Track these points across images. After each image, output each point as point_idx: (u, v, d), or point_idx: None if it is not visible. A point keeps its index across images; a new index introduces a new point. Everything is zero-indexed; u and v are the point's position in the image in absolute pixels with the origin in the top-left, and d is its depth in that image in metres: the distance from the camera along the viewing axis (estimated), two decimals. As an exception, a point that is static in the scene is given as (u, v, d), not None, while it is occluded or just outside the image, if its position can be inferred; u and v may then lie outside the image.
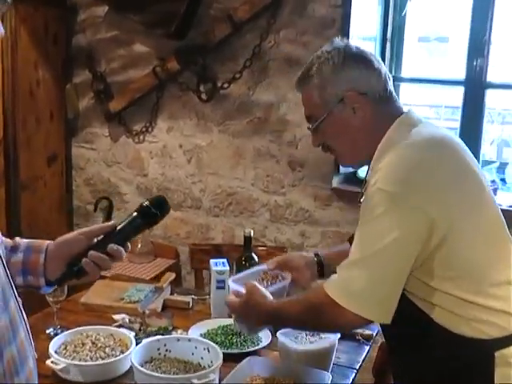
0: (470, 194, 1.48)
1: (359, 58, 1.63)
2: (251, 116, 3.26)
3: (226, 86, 3.19)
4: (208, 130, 3.35)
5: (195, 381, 1.64)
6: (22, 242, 1.44)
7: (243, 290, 1.70)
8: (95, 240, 1.42)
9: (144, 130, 3.43)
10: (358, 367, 2.01)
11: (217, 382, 1.72)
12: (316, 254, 1.98)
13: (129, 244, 1.45)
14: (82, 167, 3.71)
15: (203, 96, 3.22)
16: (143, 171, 3.51)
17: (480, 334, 1.43)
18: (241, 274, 1.92)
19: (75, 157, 3.71)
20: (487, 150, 3.27)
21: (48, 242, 1.43)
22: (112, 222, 1.47)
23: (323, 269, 1.94)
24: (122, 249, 1.39)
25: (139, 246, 3.22)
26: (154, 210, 1.44)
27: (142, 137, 3.45)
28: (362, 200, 1.54)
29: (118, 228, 1.42)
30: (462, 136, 3.17)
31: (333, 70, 1.59)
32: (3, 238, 1.40)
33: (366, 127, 1.58)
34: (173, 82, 3.30)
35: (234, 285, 1.84)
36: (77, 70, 3.59)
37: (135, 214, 1.44)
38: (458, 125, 3.26)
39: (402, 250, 1.40)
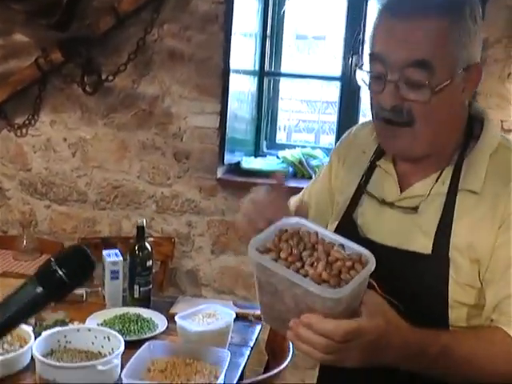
0: None
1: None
2: (136, 109, 3.28)
3: (110, 78, 3.20)
4: (92, 122, 3.33)
5: (100, 367, 1.69)
6: None
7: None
8: None
9: (26, 123, 3.35)
10: (252, 345, 2.13)
11: (120, 367, 1.77)
12: None
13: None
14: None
15: (88, 88, 3.21)
16: (26, 166, 3.43)
17: None
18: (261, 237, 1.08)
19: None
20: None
21: None
22: None
23: None
24: None
25: (24, 243, 3.16)
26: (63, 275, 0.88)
27: (24, 130, 3.37)
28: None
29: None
30: (339, 129, 3.38)
31: (478, 26, 1.18)
32: None
33: (458, 114, 1.25)
34: (56, 74, 3.25)
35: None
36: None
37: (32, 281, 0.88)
38: (334, 118, 3.47)
39: None
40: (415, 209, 1.25)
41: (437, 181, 1.25)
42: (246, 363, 2.01)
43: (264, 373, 2.22)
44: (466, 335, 1.18)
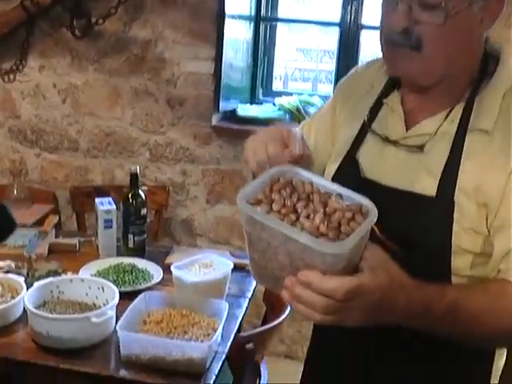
0: None
1: None
2: (127, 54, 3.17)
3: (100, 22, 3.07)
4: (83, 68, 3.22)
5: (94, 319, 1.65)
6: None
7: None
8: None
9: (14, 68, 3.23)
10: (249, 296, 2.09)
11: (114, 319, 1.73)
12: None
13: None
14: None
15: (77, 32, 3.08)
16: (15, 113, 3.33)
17: None
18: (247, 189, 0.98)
19: None
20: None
21: None
22: None
23: None
24: None
25: (15, 192, 3.09)
26: None
27: (12, 76, 3.25)
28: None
29: None
30: (337, 77, 3.28)
31: None
32: None
33: (474, 47, 1.18)
34: (44, 18, 3.12)
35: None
36: None
37: None
38: (332, 67, 3.37)
39: None
40: (421, 147, 1.17)
41: (446, 118, 1.17)
42: (243, 315, 1.97)
43: (262, 324, 2.19)
44: (473, 289, 1.11)
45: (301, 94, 3.34)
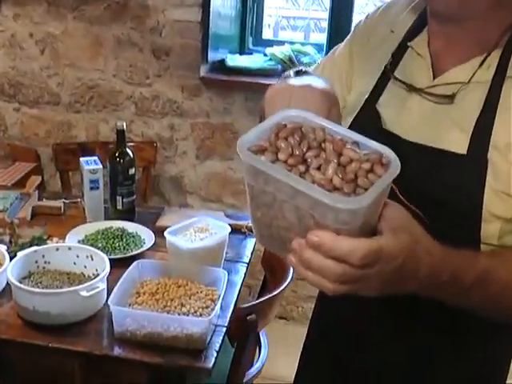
0: None
1: None
2: (108, 0, 2.97)
3: (79, -35, 2.86)
4: (61, 16, 3.01)
5: (84, 293, 1.52)
6: None
7: None
8: None
9: (-13, 17, 3.03)
10: (248, 261, 1.98)
11: (106, 291, 1.61)
12: None
13: None
14: None
15: (53, -23, 2.88)
16: (-10, 65, 3.13)
17: None
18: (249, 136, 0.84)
19: None
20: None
21: None
22: None
23: None
24: None
25: (-6, 149, 2.93)
26: None
27: (-16, 25, 3.05)
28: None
29: None
30: (331, 25, 3.11)
31: None
32: None
33: None
34: (17, -39, 2.91)
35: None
36: None
37: None
38: (323, 15, 3.20)
39: None
40: (451, 97, 1.03)
41: (481, 65, 1.02)
42: (242, 281, 1.86)
43: (261, 290, 2.09)
44: (506, 257, 0.98)
45: (293, 43, 3.17)
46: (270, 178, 0.76)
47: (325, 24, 3.29)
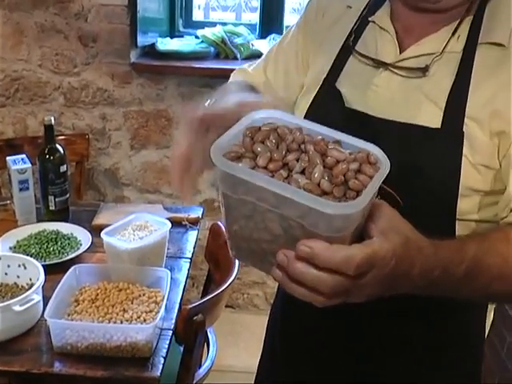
0: None
1: None
2: (28, -15, 2.81)
3: (-7, -50, 2.69)
4: (-23, 4, 2.84)
5: (17, 307, 1.43)
6: None
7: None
8: None
9: None
10: (191, 256, 1.91)
11: (42, 303, 1.52)
12: None
13: None
14: None
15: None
16: None
17: None
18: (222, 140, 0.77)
19: None
20: (289, 18, 3.17)
21: None
22: None
23: None
24: None
25: None
26: None
27: None
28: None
29: None
30: (264, 5, 3.04)
31: None
32: None
33: None
34: None
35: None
36: None
37: None
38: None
39: None
40: (425, 69, 0.99)
41: (453, 34, 0.98)
42: (186, 279, 1.79)
43: (206, 285, 2.03)
44: (493, 240, 0.90)
45: (225, 24, 3.08)
46: (250, 186, 0.69)
47: (256, 3, 3.21)
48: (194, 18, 3.22)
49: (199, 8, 3.43)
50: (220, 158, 0.71)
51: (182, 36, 3.12)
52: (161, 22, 3.10)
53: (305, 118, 1.06)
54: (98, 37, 2.87)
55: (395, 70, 1.02)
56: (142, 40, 2.92)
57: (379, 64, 1.04)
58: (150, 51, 2.98)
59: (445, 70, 0.98)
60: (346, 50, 1.09)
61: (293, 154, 0.73)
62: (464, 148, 0.94)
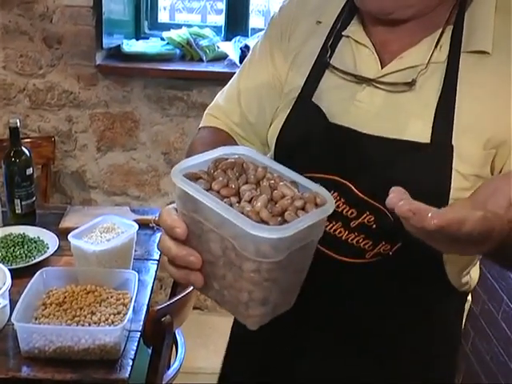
0: None
1: None
2: (-9, -14, 2.79)
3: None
4: None
5: (-16, 312, 1.42)
6: None
7: None
8: None
9: None
10: (158, 258, 1.92)
11: (9, 307, 1.51)
12: None
13: None
14: None
15: None
16: None
17: None
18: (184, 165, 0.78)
19: None
20: (255, 20, 3.20)
21: None
22: None
23: None
24: None
25: None
26: None
27: None
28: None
29: None
30: (229, 7, 3.06)
31: None
32: None
33: None
34: None
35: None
36: None
37: None
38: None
39: None
40: (411, 84, 0.96)
41: (437, 45, 0.96)
42: (154, 281, 1.80)
43: (174, 286, 2.04)
44: None
45: (190, 26, 3.09)
46: (199, 204, 0.72)
47: (221, 5, 3.23)
48: (159, 20, 3.22)
49: (165, 10, 3.44)
50: (178, 174, 0.74)
51: (147, 38, 3.12)
52: (126, 23, 3.09)
53: (280, 135, 1.05)
54: (63, 38, 2.86)
55: (379, 85, 0.99)
56: (107, 42, 2.91)
57: (361, 80, 1.01)
58: (116, 53, 2.97)
59: (430, 83, 0.96)
60: (321, 66, 1.05)
61: (249, 185, 0.76)
62: (454, 161, 0.93)
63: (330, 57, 1.05)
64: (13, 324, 1.40)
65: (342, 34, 1.06)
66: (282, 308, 0.79)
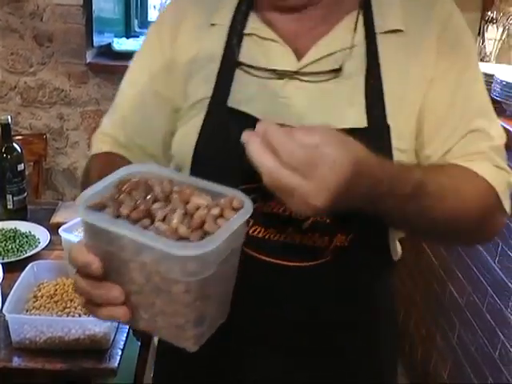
0: None
1: None
2: (-19, -16, 2.82)
3: None
4: None
5: (-24, 303, 1.45)
6: None
7: None
8: None
9: None
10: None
11: (0, 299, 1.54)
12: None
13: None
14: None
15: None
16: None
17: None
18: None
19: None
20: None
21: None
22: None
23: None
24: None
25: None
26: None
27: None
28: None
29: None
30: None
31: None
32: None
33: None
34: None
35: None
36: None
37: None
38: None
39: None
40: (338, 70, 0.93)
41: (356, 28, 0.94)
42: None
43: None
44: (437, 172, 0.91)
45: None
46: (111, 235, 0.67)
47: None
48: (149, 18, 3.26)
49: (155, 8, 3.47)
50: (81, 207, 0.70)
51: (137, 36, 3.15)
52: (116, 22, 3.13)
53: (198, 146, 0.96)
54: (53, 36, 2.89)
55: (302, 77, 0.95)
56: (97, 40, 2.95)
57: (281, 75, 0.95)
58: (106, 51, 3.01)
59: (355, 67, 0.94)
60: (229, 67, 0.98)
61: (159, 203, 0.72)
62: (393, 140, 0.93)
63: (237, 56, 0.98)
64: (4, 315, 1.43)
65: (244, 32, 0.99)
66: (217, 321, 0.76)
